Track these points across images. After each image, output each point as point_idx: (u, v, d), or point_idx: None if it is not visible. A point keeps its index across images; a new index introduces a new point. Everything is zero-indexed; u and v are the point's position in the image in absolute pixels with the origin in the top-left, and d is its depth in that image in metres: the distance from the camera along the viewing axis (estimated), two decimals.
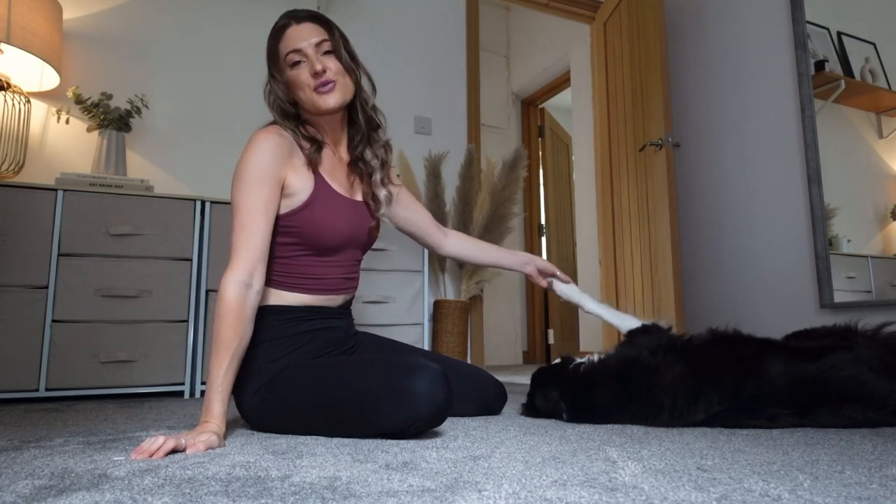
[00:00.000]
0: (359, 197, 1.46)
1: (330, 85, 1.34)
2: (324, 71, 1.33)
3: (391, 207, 1.55)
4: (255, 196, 1.26)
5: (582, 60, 4.06)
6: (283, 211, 1.32)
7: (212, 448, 1.04)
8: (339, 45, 1.37)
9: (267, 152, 1.29)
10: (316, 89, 1.34)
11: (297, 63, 1.34)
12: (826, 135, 2.37)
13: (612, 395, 1.34)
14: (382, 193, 1.49)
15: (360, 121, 1.45)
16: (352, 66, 1.39)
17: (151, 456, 0.95)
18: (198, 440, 1.03)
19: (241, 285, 1.19)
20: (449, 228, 1.79)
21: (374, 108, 1.49)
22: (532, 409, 1.49)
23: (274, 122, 1.38)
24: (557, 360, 1.52)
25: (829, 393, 1.23)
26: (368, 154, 1.47)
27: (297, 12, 1.37)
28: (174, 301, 2.14)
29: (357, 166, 1.47)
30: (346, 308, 1.49)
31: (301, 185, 1.33)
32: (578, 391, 1.39)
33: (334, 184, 1.40)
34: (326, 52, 1.35)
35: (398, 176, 1.79)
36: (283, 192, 1.31)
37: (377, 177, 1.48)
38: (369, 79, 1.47)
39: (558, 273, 1.71)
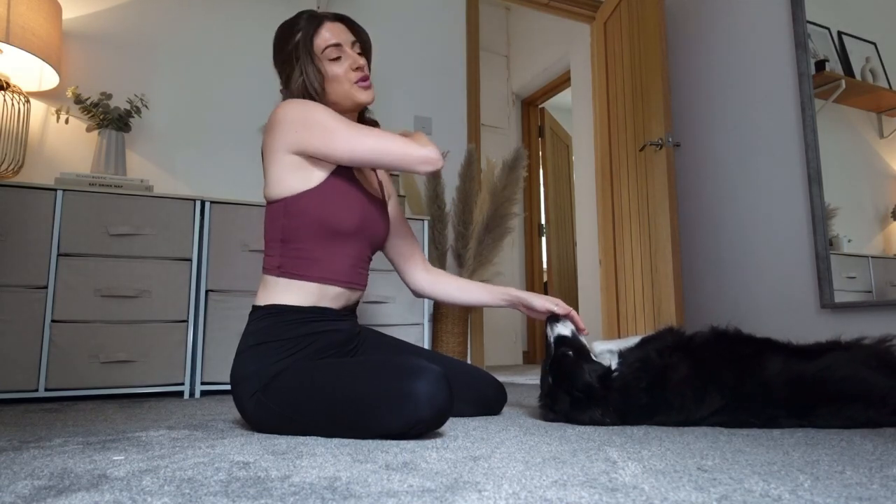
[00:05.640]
0: (371, 191, 1.48)
1: (368, 81, 1.42)
2: (364, 66, 1.42)
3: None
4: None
5: (582, 60, 4.06)
6: (300, 188, 1.32)
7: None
8: (368, 47, 1.47)
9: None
10: (357, 83, 1.40)
11: (336, 58, 1.38)
12: (826, 135, 2.37)
13: (641, 401, 1.33)
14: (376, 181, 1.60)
15: (366, 122, 1.54)
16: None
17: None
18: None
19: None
20: (440, 270, 1.68)
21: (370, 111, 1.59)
22: (558, 416, 1.40)
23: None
24: (568, 353, 1.40)
25: (828, 392, 1.23)
26: None
27: (326, 13, 1.43)
28: (174, 301, 2.14)
29: None
30: (351, 310, 1.46)
31: (323, 162, 1.35)
32: (618, 406, 1.33)
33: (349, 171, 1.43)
34: (359, 53, 1.43)
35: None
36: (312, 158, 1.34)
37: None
38: None
39: (554, 309, 1.49)
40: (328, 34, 1.38)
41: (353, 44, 1.42)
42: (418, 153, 1.30)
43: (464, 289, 1.61)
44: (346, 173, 1.39)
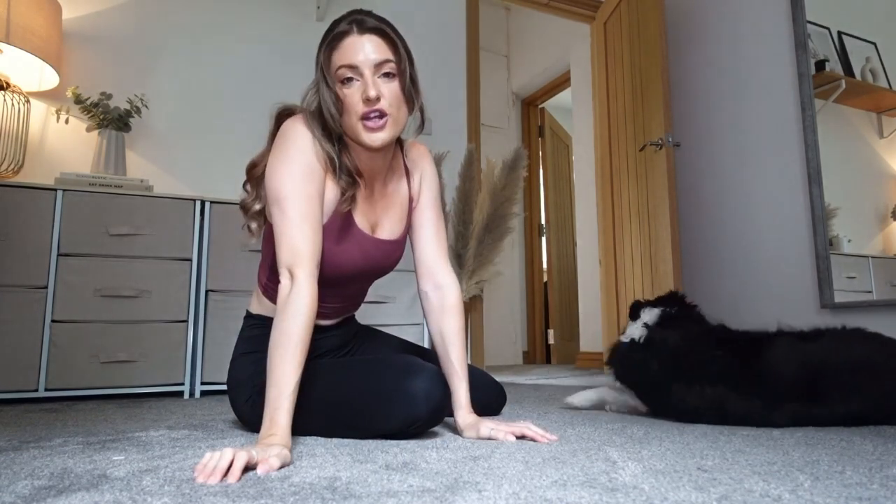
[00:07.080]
0: (386, 234, 1.29)
1: (381, 120, 1.12)
2: (377, 98, 1.10)
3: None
4: (310, 185, 1.11)
5: (582, 60, 4.06)
6: None
7: (285, 465, 0.88)
8: (404, 68, 1.15)
9: (314, 145, 1.14)
10: (364, 119, 1.12)
11: (348, 80, 1.12)
12: (826, 135, 2.37)
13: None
14: None
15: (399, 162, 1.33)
16: (412, 95, 1.18)
17: (224, 478, 0.78)
18: (269, 455, 0.85)
19: (314, 281, 1.07)
20: (454, 304, 1.31)
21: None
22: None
23: (301, 115, 1.17)
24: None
25: (836, 368, 1.28)
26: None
27: (365, 20, 1.13)
28: (174, 301, 2.14)
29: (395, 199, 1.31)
30: (346, 320, 1.42)
31: (325, 207, 1.17)
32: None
33: (359, 217, 1.23)
34: (386, 75, 1.13)
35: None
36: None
37: None
38: (422, 113, 1.23)
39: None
40: (346, 52, 1.11)
41: (377, 65, 1.11)
42: (298, 271, 1.06)
43: (445, 346, 1.27)
44: (349, 221, 1.20)
